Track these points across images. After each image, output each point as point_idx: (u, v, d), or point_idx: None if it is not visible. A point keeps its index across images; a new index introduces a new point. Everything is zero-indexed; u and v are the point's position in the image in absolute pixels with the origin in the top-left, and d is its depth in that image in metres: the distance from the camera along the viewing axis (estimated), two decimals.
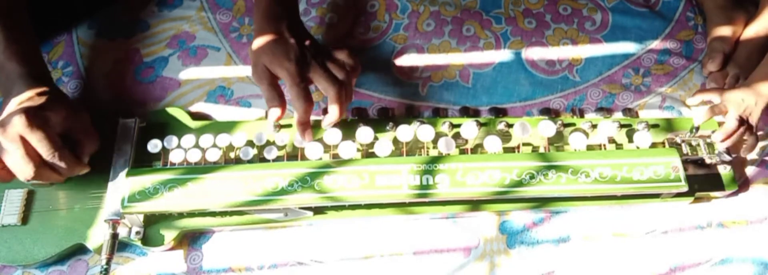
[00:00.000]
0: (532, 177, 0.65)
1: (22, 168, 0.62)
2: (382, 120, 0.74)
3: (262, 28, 0.70)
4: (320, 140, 0.71)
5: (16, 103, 0.64)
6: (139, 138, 0.71)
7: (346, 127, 0.71)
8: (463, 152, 0.71)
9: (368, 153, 0.71)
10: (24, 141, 0.62)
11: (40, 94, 0.65)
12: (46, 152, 0.62)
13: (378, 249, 0.69)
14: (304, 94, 0.68)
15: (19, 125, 0.61)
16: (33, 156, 0.62)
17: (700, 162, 0.71)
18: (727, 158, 0.69)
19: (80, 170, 0.67)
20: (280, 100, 0.69)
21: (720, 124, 0.72)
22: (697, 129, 0.70)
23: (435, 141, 0.71)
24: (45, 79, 0.69)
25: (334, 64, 0.70)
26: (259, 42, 0.69)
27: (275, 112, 0.69)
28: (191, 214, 0.68)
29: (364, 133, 0.71)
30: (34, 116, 0.62)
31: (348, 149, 0.69)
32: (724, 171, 0.70)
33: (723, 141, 0.68)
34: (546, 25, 0.85)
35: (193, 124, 0.74)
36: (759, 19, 0.79)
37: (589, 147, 0.71)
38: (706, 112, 0.69)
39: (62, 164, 0.64)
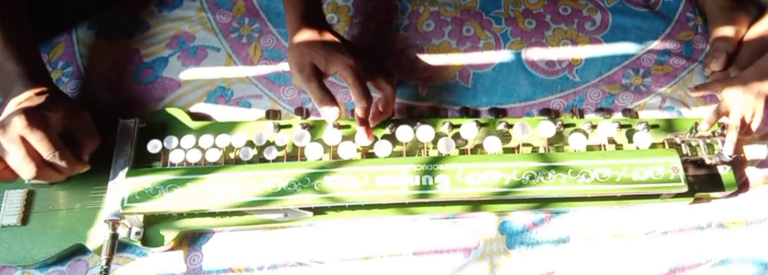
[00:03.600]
0: (531, 177, 0.65)
1: (24, 169, 0.62)
2: (382, 120, 0.74)
3: (301, 28, 0.70)
4: (320, 140, 0.71)
5: (15, 103, 0.64)
6: (139, 138, 0.71)
7: (346, 128, 0.71)
8: (463, 152, 0.71)
9: (368, 153, 0.71)
10: (24, 142, 0.62)
11: (39, 94, 0.65)
12: (47, 152, 0.62)
13: (378, 250, 0.69)
14: (366, 91, 0.67)
15: (18, 126, 0.61)
16: (34, 156, 0.62)
17: (700, 163, 0.71)
18: (727, 158, 0.68)
19: (81, 168, 0.67)
20: (332, 99, 0.68)
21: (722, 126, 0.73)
22: (697, 129, 0.70)
23: (435, 142, 0.71)
24: (44, 78, 0.69)
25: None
26: (305, 42, 0.68)
27: (332, 112, 0.68)
28: (191, 215, 0.68)
29: (364, 133, 0.71)
30: (33, 116, 0.62)
31: (348, 149, 0.69)
32: (724, 171, 0.70)
33: (733, 154, 0.68)
34: (546, 25, 0.85)
35: (193, 124, 0.74)
36: (764, 20, 0.79)
37: (589, 148, 0.71)
38: (709, 116, 0.69)
39: (63, 163, 0.63)
